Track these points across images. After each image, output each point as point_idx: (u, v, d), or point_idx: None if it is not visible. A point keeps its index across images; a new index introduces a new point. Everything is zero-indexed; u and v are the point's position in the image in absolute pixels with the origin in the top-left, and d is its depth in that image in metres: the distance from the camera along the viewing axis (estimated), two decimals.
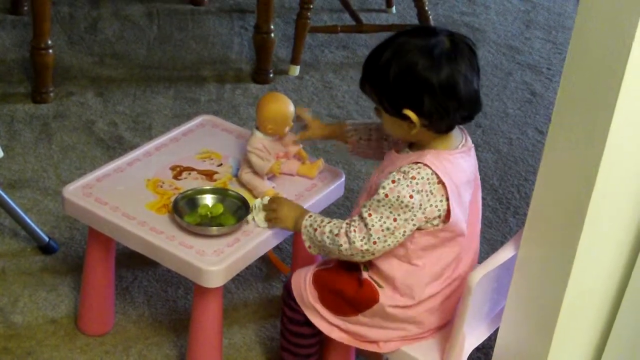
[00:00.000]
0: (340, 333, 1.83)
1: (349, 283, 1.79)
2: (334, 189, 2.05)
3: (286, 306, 1.89)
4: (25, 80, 3.13)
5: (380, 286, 1.76)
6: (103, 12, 3.67)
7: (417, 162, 1.66)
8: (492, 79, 3.38)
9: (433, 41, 1.64)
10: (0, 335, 2.11)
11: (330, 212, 2.54)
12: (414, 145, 1.74)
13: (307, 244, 1.78)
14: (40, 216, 2.49)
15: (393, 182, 1.64)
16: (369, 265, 1.77)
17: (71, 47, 3.39)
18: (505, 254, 1.67)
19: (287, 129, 1.97)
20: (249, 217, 1.88)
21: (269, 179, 1.99)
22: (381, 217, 1.65)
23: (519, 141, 3.01)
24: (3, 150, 2.73)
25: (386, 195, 1.64)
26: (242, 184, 1.99)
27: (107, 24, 3.58)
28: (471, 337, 1.75)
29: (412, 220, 1.65)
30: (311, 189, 2.01)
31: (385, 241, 1.67)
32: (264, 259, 2.34)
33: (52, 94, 3.03)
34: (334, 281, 1.81)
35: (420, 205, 1.64)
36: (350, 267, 1.80)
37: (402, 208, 1.64)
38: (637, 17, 1.25)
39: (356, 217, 1.70)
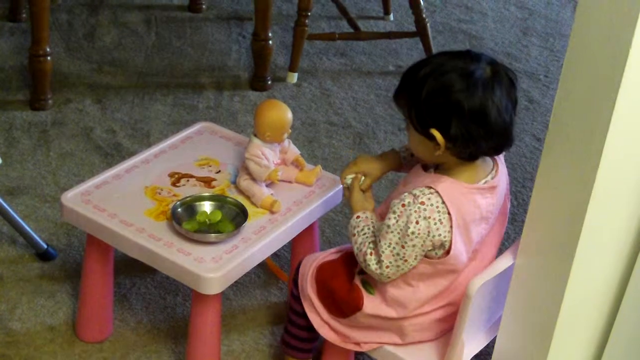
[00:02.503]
0: (330, 332, 1.84)
1: (342, 285, 1.81)
2: (332, 196, 2.05)
3: (293, 283, 1.92)
4: (23, 88, 3.14)
5: (371, 292, 1.77)
6: (101, 20, 3.68)
7: (429, 187, 1.64)
8: None
9: (474, 66, 1.62)
10: None
11: (329, 218, 2.54)
12: (440, 168, 1.73)
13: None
14: (39, 223, 2.49)
15: (403, 205, 1.64)
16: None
17: (69, 55, 3.39)
18: (503, 262, 1.68)
19: (285, 135, 1.98)
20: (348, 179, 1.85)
21: (267, 186, 1.99)
22: (390, 244, 1.66)
23: (516, 148, 3.01)
24: (1, 158, 2.73)
25: (396, 220, 1.64)
26: (241, 191, 2.00)
27: (105, 32, 3.59)
28: (470, 345, 1.75)
29: (421, 246, 1.65)
30: (309, 196, 2.02)
31: (398, 266, 1.68)
32: (262, 266, 2.34)
33: (50, 101, 3.04)
34: (329, 278, 1.83)
35: (429, 232, 1.63)
36: (350, 265, 1.82)
37: (408, 235, 1.63)
38: (634, 24, 1.25)
39: (374, 241, 1.71)
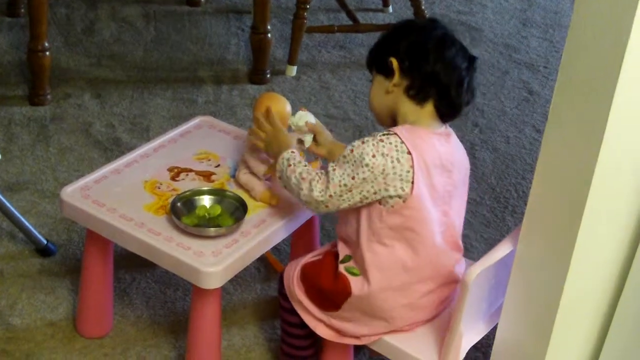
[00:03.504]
0: (325, 329, 1.85)
1: (327, 277, 1.82)
2: None
3: (281, 296, 1.93)
4: (22, 83, 3.13)
5: (356, 273, 1.78)
6: (100, 14, 3.67)
7: (388, 131, 1.71)
8: (489, 78, 3.38)
9: (443, 24, 1.79)
10: None
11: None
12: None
13: (277, 174, 1.83)
14: (38, 218, 2.48)
15: (362, 142, 1.69)
16: (352, 255, 1.79)
17: (68, 49, 3.38)
18: (502, 250, 1.68)
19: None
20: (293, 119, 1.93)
21: (267, 180, 1.99)
22: (343, 174, 1.69)
23: (516, 139, 3.01)
24: (1, 153, 2.73)
25: (351, 151, 1.69)
26: (240, 185, 1.99)
27: (104, 26, 3.58)
28: (469, 333, 1.76)
29: (372, 182, 1.67)
30: None
31: (341, 196, 1.70)
32: (262, 260, 2.34)
33: (49, 96, 3.03)
34: (315, 276, 1.84)
35: (383, 170, 1.66)
36: (333, 261, 1.83)
37: (362, 166, 1.67)
38: (633, 14, 1.25)
39: (324, 170, 1.74)
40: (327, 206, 1.73)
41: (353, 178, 1.68)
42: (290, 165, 1.79)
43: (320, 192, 1.72)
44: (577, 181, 1.42)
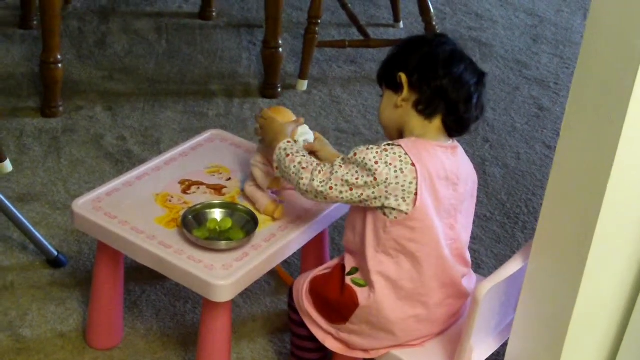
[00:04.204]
0: (334, 342, 1.85)
1: (334, 289, 1.82)
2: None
3: (291, 309, 1.93)
4: (34, 95, 3.15)
5: (361, 285, 1.78)
6: (112, 27, 3.69)
7: (392, 142, 1.72)
8: (499, 94, 3.39)
9: (452, 41, 1.79)
10: (9, 349, 2.11)
11: (338, 226, 2.54)
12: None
13: (275, 164, 1.83)
14: (49, 230, 2.49)
15: (367, 148, 1.70)
16: (358, 266, 1.79)
17: (80, 62, 3.40)
18: (513, 267, 1.68)
19: None
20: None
21: (275, 193, 1.99)
22: (348, 172, 1.70)
23: (526, 155, 3.01)
24: (12, 164, 2.75)
25: (355, 154, 1.70)
26: (246, 196, 2.00)
27: (116, 39, 3.60)
28: (479, 349, 1.75)
29: (372, 188, 1.68)
30: (318, 204, 2.01)
31: (341, 192, 1.71)
32: (272, 273, 2.34)
33: (61, 108, 3.05)
34: (323, 288, 1.84)
35: (386, 179, 1.67)
36: (341, 274, 1.83)
37: (364, 170, 1.68)
38: None
39: (329, 164, 1.75)
40: (325, 197, 1.74)
41: (357, 179, 1.68)
42: (288, 155, 1.79)
43: (321, 183, 1.72)
44: (590, 195, 1.42)
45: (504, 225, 2.66)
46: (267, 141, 1.90)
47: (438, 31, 3.37)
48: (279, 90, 3.27)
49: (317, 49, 3.33)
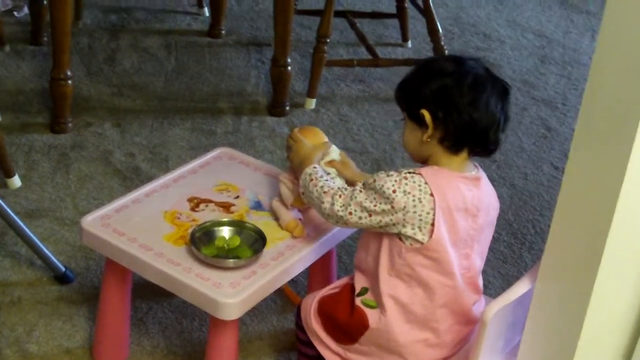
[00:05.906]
0: None
1: (343, 310, 1.82)
2: None
3: (298, 329, 1.93)
4: (44, 110, 3.16)
5: (372, 306, 1.78)
6: (121, 44, 3.71)
7: (412, 170, 1.70)
8: None
9: (471, 63, 1.74)
10: None
11: (346, 245, 2.54)
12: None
13: (301, 190, 1.84)
14: (57, 246, 2.50)
15: (387, 175, 1.69)
16: (369, 287, 1.79)
17: (90, 78, 3.42)
18: (520, 288, 1.67)
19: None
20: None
21: (300, 211, 1.99)
22: (367, 197, 1.70)
23: (534, 176, 3.01)
24: (21, 180, 2.76)
25: (374, 181, 1.69)
26: (272, 211, 2.01)
27: (126, 56, 3.62)
28: None
29: (390, 215, 1.68)
30: (327, 222, 2.01)
31: (360, 218, 1.71)
32: (279, 292, 2.34)
33: (70, 124, 3.06)
34: (332, 308, 1.84)
35: (404, 207, 1.66)
36: (350, 294, 1.83)
37: (382, 197, 1.68)
38: None
39: (351, 188, 1.75)
40: (345, 223, 1.74)
41: (375, 205, 1.68)
42: (312, 180, 1.80)
43: (342, 207, 1.73)
44: (598, 219, 1.42)
45: (511, 245, 2.66)
46: (294, 165, 1.91)
47: (446, 52, 3.38)
48: (287, 108, 3.28)
49: (325, 67, 3.34)
